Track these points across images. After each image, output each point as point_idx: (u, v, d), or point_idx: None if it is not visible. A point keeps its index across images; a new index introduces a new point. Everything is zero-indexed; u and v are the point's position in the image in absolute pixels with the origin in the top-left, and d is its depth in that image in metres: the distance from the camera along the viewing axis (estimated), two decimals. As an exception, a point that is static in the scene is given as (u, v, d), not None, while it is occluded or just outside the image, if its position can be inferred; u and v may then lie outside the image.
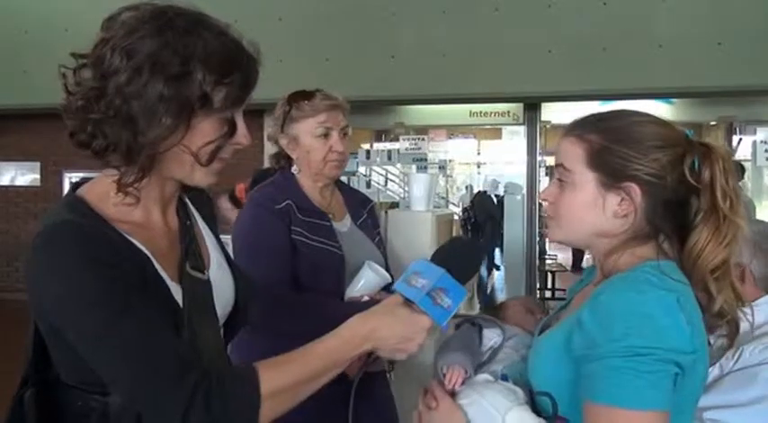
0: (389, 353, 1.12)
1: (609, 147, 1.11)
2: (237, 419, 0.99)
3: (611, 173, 1.11)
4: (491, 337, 1.30)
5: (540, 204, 7.99)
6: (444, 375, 1.19)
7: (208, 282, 1.17)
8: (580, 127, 1.17)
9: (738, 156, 9.22)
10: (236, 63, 1.06)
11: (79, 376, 1.06)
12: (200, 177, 1.11)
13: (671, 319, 0.99)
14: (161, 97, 1.00)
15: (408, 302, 1.12)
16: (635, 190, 1.10)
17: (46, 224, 1.03)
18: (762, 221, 1.89)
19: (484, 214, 7.85)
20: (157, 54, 1.00)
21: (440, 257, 1.19)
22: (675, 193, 1.10)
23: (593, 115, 1.19)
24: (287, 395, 1.03)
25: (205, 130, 1.06)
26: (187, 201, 1.24)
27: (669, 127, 1.14)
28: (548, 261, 8.88)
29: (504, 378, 1.23)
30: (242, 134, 1.10)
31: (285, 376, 1.03)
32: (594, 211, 1.13)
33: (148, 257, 1.06)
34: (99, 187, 1.09)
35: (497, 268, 8.53)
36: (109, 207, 1.07)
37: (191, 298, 1.10)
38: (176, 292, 1.08)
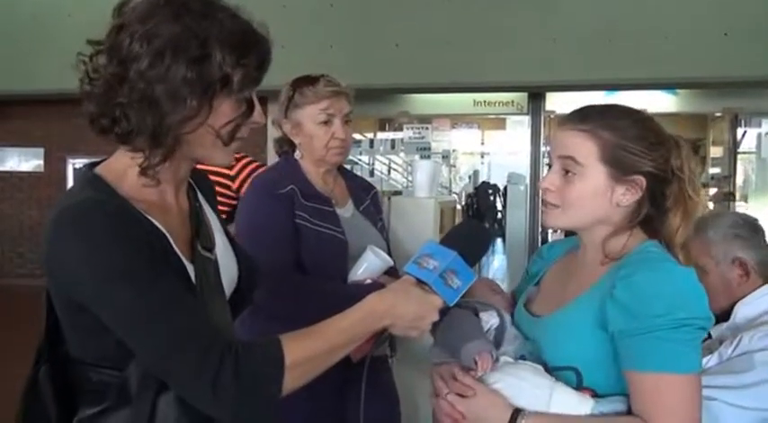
0: (403, 330, 1.16)
1: (623, 144, 1.22)
2: (263, 386, 1.02)
3: (622, 168, 1.23)
4: (488, 319, 1.31)
5: (543, 194, 8.01)
6: (476, 363, 1.20)
7: (216, 261, 1.19)
8: (586, 121, 1.25)
9: (743, 148, 9.22)
10: (251, 44, 1.09)
11: (94, 353, 1.07)
12: (221, 157, 1.14)
13: (699, 290, 1.15)
14: (185, 79, 1.03)
15: (420, 283, 1.16)
16: (642, 182, 1.22)
17: (69, 202, 1.04)
18: (729, 213, 1.96)
19: (486, 203, 7.86)
20: (177, 38, 1.02)
21: (450, 240, 1.22)
22: (667, 183, 1.25)
23: (593, 108, 1.29)
24: (308, 366, 1.06)
25: (225, 111, 1.09)
26: (193, 183, 1.26)
27: (656, 123, 1.28)
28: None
29: (523, 358, 1.25)
30: (258, 113, 1.14)
31: (307, 348, 1.06)
32: (602, 200, 1.24)
33: (165, 235, 1.08)
34: (115, 166, 1.11)
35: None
36: (125, 186, 1.09)
37: (202, 276, 1.12)
38: (189, 270, 1.11)
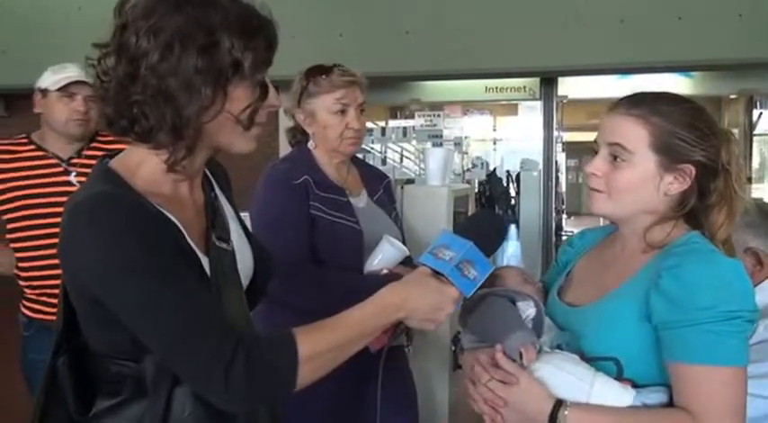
0: (419, 323, 1.15)
1: (675, 131, 1.20)
2: (276, 380, 1.02)
3: (673, 156, 1.21)
4: (524, 309, 1.30)
5: (557, 180, 7.95)
6: (521, 353, 1.19)
7: (233, 252, 1.19)
8: (637, 106, 1.23)
9: (759, 130, 9.11)
10: (257, 26, 1.08)
11: (110, 345, 1.08)
12: (244, 144, 1.13)
13: (746, 284, 1.15)
14: (196, 69, 1.02)
15: (436, 274, 1.14)
16: (691, 172, 1.21)
17: (84, 195, 1.04)
18: None
19: (499, 189, 7.83)
20: (183, 28, 1.02)
21: (465, 230, 1.21)
22: (715, 176, 1.22)
23: (645, 94, 1.26)
24: (322, 360, 1.06)
25: (241, 96, 1.08)
26: (208, 173, 1.26)
27: (708, 113, 1.26)
28: (564, 237, 8.85)
29: (560, 348, 1.25)
30: (273, 96, 1.13)
31: (321, 341, 1.06)
32: (649, 188, 1.22)
33: (180, 229, 1.08)
34: (128, 161, 1.11)
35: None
36: (139, 180, 1.09)
37: (218, 268, 1.12)
38: (204, 263, 1.10)
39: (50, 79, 2.37)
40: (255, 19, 1.08)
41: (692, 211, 1.24)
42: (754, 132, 9.08)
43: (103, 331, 1.08)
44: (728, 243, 1.23)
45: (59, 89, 2.35)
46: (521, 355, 1.19)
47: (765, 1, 5.72)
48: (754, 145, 9.23)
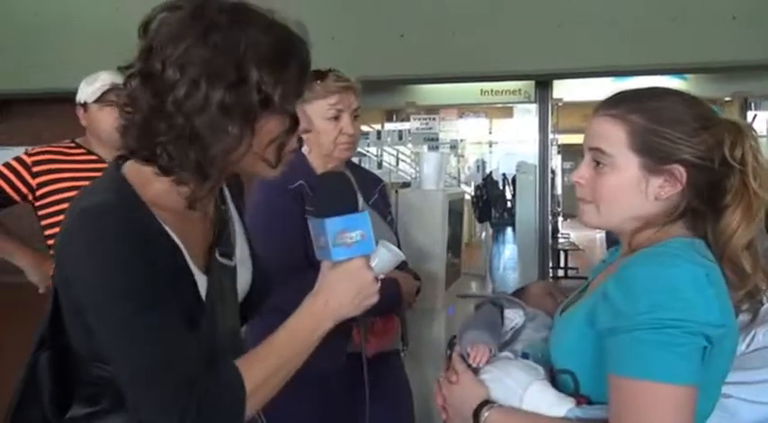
0: (359, 309, 1.11)
1: (654, 129, 1.08)
2: (226, 421, 1.02)
3: (657, 156, 1.08)
4: (513, 317, 1.29)
5: (553, 183, 7.96)
6: (468, 353, 1.19)
7: (234, 268, 1.17)
8: (616, 106, 1.12)
9: (753, 131, 9.13)
10: (289, 54, 1.03)
11: (90, 351, 1.06)
12: (270, 172, 1.10)
13: (699, 293, 0.98)
14: (223, 107, 0.98)
15: (336, 263, 1.11)
16: (681, 172, 1.08)
17: (90, 202, 1.02)
18: None
19: (495, 192, 7.84)
20: (210, 62, 0.98)
21: (316, 208, 1.18)
22: (716, 174, 1.09)
23: (625, 92, 1.16)
24: (265, 390, 1.06)
25: (269, 129, 1.04)
26: (223, 184, 1.23)
27: (705, 105, 1.13)
28: (560, 240, 8.86)
29: (525, 356, 1.23)
30: (303, 122, 1.09)
31: (262, 371, 1.05)
32: (637, 195, 1.10)
33: (179, 248, 1.06)
34: (143, 170, 1.06)
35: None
36: (150, 191, 1.05)
37: (215, 287, 1.10)
38: (201, 282, 1.08)
39: (86, 91, 2.37)
40: (287, 46, 1.03)
41: (699, 215, 1.11)
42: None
43: (85, 337, 1.06)
44: (752, 249, 1.08)
45: (97, 100, 2.35)
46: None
47: (760, 3, 5.74)
48: (749, 147, 9.24)
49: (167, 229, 1.04)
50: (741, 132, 1.10)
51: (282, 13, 1.06)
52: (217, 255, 1.13)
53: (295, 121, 1.06)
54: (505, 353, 1.23)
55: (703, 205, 1.10)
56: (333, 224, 1.09)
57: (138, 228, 1.00)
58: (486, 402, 1.12)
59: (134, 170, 1.07)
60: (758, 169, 1.08)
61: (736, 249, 1.08)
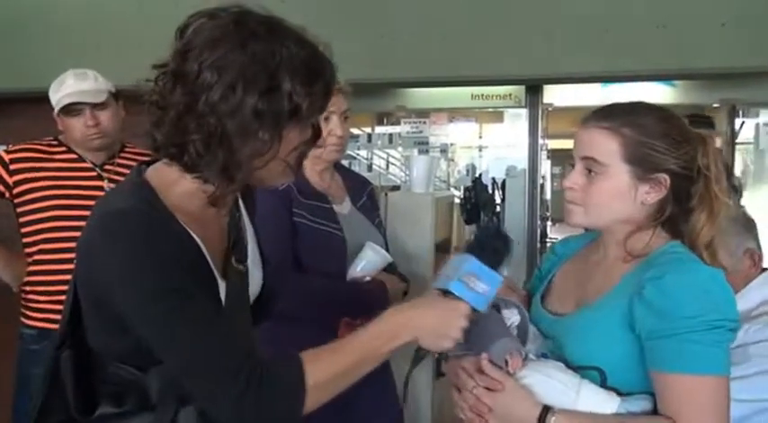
0: (432, 341, 1.15)
1: (645, 142, 1.21)
2: (284, 410, 1.03)
3: (646, 166, 1.21)
4: (509, 316, 1.30)
5: (542, 188, 7.99)
6: (507, 363, 1.19)
7: (247, 273, 1.19)
8: (607, 119, 1.24)
9: (741, 138, 9.20)
10: (319, 71, 1.07)
11: (112, 351, 1.08)
12: (283, 180, 1.15)
13: (727, 293, 1.15)
14: (256, 112, 1.01)
15: (445, 294, 1.15)
16: (666, 181, 1.21)
17: (115, 207, 1.04)
18: None
19: (484, 196, 7.84)
20: (247, 69, 1.00)
21: (470, 247, 1.22)
22: (691, 181, 1.23)
23: (616, 105, 1.28)
24: (330, 387, 1.07)
25: (292, 138, 1.08)
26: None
27: (682, 120, 1.26)
28: (548, 244, 8.87)
29: (545, 356, 1.25)
30: (323, 134, 1.14)
31: (328, 368, 1.06)
32: (625, 199, 1.23)
33: (202, 251, 1.07)
34: (167, 172, 1.09)
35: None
36: (173, 195, 1.08)
37: (232, 291, 1.12)
38: (221, 286, 1.10)
39: (53, 99, 2.31)
40: (317, 63, 1.07)
41: (673, 218, 1.25)
42: (737, 141, 9.15)
43: (106, 334, 1.08)
44: (711, 248, 1.23)
45: (62, 110, 2.28)
46: (506, 362, 1.19)
47: (749, 10, 5.78)
48: (737, 154, 9.30)
49: (190, 232, 1.06)
50: (705, 142, 1.25)
51: (312, 34, 1.10)
52: (233, 260, 1.15)
53: (316, 134, 1.11)
54: (530, 355, 1.25)
55: (677, 209, 1.24)
56: (473, 264, 1.17)
57: (165, 229, 1.03)
58: (548, 408, 1.16)
59: (156, 176, 1.10)
60: (719, 175, 1.23)
61: (699, 247, 1.23)
